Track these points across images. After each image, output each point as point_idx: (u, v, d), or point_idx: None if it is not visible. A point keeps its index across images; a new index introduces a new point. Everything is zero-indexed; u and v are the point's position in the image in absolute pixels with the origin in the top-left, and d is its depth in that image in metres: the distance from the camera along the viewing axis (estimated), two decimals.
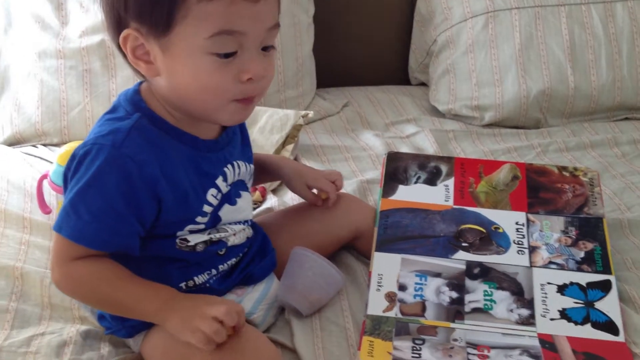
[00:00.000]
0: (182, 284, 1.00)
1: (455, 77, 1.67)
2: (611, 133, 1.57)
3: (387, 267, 1.11)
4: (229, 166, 0.99)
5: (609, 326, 1.03)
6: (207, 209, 0.97)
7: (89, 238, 0.90)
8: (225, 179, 0.98)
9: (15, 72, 1.52)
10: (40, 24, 1.53)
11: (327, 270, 1.08)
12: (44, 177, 1.27)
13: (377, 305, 1.05)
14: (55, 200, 1.26)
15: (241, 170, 1.02)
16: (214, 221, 0.99)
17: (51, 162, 1.33)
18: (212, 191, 0.97)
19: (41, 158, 1.45)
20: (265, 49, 0.91)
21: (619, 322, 1.03)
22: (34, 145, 1.51)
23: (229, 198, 1.00)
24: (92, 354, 1.01)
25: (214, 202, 0.97)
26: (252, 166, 1.06)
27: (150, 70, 0.90)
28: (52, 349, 1.00)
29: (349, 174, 1.43)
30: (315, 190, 1.18)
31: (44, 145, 1.51)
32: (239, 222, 1.03)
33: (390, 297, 1.07)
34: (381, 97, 1.73)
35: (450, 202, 1.23)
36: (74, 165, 0.90)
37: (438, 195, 1.24)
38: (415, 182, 1.27)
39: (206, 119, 0.94)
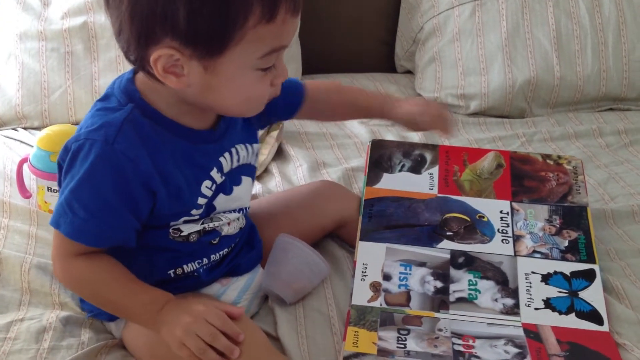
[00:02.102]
0: (171, 271, 0.99)
1: (441, 66, 1.66)
2: (596, 123, 1.57)
3: (372, 257, 1.10)
4: (226, 155, 0.97)
5: (593, 316, 1.03)
6: (201, 201, 0.95)
7: (87, 236, 0.89)
8: (220, 169, 0.96)
9: None
10: (21, 4, 1.50)
11: (312, 259, 1.07)
12: (24, 160, 1.25)
13: (361, 295, 1.04)
14: (35, 184, 1.23)
15: (241, 154, 1.00)
16: (208, 211, 0.97)
17: (32, 146, 1.31)
18: (207, 183, 0.95)
19: (21, 142, 1.43)
20: None
21: (603, 312, 1.03)
22: (14, 129, 1.48)
23: (224, 187, 0.98)
24: (72, 340, 0.99)
25: (208, 193, 0.96)
26: (256, 146, 1.04)
27: (180, 83, 0.85)
28: (32, 335, 0.98)
29: (334, 162, 1.42)
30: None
31: (24, 128, 1.48)
32: (234, 210, 1.02)
33: (375, 287, 1.06)
34: (367, 84, 1.71)
35: (435, 191, 1.23)
36: (68, 160, 0.88)
37: (422, 184, 1.24)
38: (400, 170, 1.27)
39: (227, 115, 0.94)
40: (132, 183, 0.87)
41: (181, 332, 0.87)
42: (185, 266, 0.99)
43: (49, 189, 1.21)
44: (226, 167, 0.97)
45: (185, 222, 0.95)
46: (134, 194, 0.88)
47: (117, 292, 0.92)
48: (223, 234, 1.00)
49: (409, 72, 1.80)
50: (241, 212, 1.03)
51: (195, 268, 1.00)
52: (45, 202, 1.22)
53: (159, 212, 0.92)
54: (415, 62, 1.74)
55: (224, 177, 0.97)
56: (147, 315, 0.91)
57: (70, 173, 0.88)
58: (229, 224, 1.01)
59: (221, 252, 1.02)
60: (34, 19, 1.49)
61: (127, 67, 1.47)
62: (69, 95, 1.48)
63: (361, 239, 1.13)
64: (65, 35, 1.48)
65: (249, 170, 1.03)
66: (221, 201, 0.98)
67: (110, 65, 1.49)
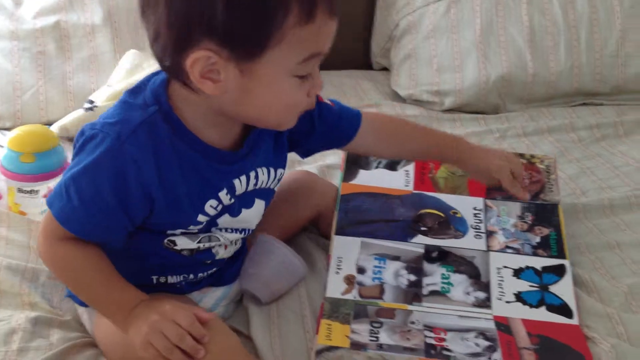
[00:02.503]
0: (154, 278, 0.98)
1: (416, 62, 1.67)
2: (568, 118, 1.58)
3: (347, 251, 1.11)
4: (242, 177, 0.94)
5: (563, 309, 1.04)
6: (202, 218, 0.93)
7: (75, 224, 0.88)
8: (230, 191, 0.93)
9: None
10: None
11: (291, 261, 1.07)
12: None
13: (335, 288, 1.05)
14: (5, 185, 1.22)
15: (260, 178, 0.96)
16: (209, 226, 0.95)
17: (2, 147, 1.30)
18: (212, 202, 0.92)
19: None
20: None
21: (572, 306, 1.04)
22: None
23: (232, 209, 0.95)
24: (41, 341, 0.98)
25: (212, 212, 0.93)
26: (281, 171, 1.01)
27: (217, 89, 0.82)
28: (0, 337, 0.97)
29: (309, 159, 1.41)
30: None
31: None
32: (237, 230, 0.99)
33: (349, 280, 1.06)
34: (343, 81, 1.72)
35: (411, 187, 1.24)
36: (80, 144, 0.88)
37: (398, 180, 1.25)
38: (376, 167, 1.27)
39: (261, 127, 0.91)
40: (131, 186, 0.86)
41: (148, 330, 0.86)
42: (170, 277, 0.99)
43: (20, 190, 1.20)
44: (239, 190, 0.95)
45: (183, 234, 0.94)
46: (132, 197, 0.87)
47: (96, 283, 0.91)
48: (217, 257, 0.99)
49: (385, 69, 1.80)
50: (243, 232, 1.01)
51: (178, 280, 0.99)
52: (16, 204, 1.21)
53: (155, 219, 0.91)
54: (391, 59, 1.74)
55: (233, 200, 0.94)
56: (119, 312, 0.90)
57: (78, 157, 0.87)
58: (225, 247, 0.99)
59: (210, 272, 1.02)
60: (6, 18, 1.48)
61: (102, 66, 1.50)
62: (41, 95, 1.47)
63: (336, 234, 1.14)
64: (37, 34, 1.48)
65: (266, 194, 1.00)
66: (226, 220, 0.96)
67: (83, 65, 1.49)
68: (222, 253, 0.99)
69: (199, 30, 0.79)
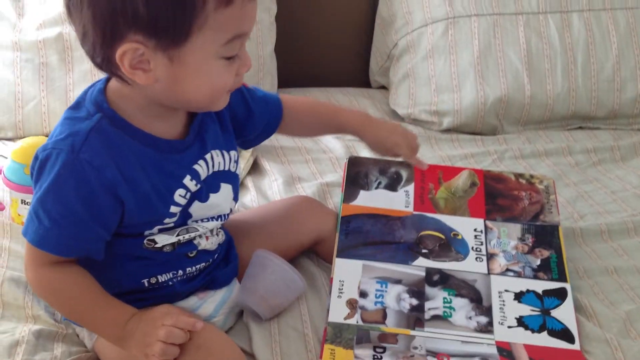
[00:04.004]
0: (145, 280, 0.99)
1: (415, 82, 1.68)
2: (565, 142, 1.60)
3: (348, 274, 1.11)
4: (201, 162, 0.97)
5: (565, 334, 1.05)
6: (174, 209, 0.95)
7: (50, 244, 0.89)
8: (195, 177, 0.96)
9: None
10: None
11: (289, 275, 1.08)
12: None
13: (338, 313, 1.05)
14: (8, 196, 1.22)
15: (216, 160, 1.00)
16: (184, 218, 0.97)
17: (5, 157, 1.30)
18: (180, 191, 0.95)
19: None
20: None
21: (574, 330, 1.05)
22: None
23: (200, 195, 0.98)
24: (45, 354, 0.98)
25: (182, 201, 0.96)
26: (234, 153, 1.04)
27: (149, 78, 0.86)
28: (4, 349, 0.97)
29: (309, 176, 1.43)
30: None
31: None
32: (212, 218, 1.02)
33: (352, 304, 1.07)
34: (342, 98, 1.73)
35: (411, 208, 1.24)
36: (36, 169, 0.89)
37: (398, 201, 1.25)
38: (376, 188, 1.28)
39: (196, 110, 0.94)
40: (97, 192, 0.88)
41: (144, 342, 0.90)
42: (159, 276, 0.99)
43: (23, 201, 1.20)
44: (203, 174, 0.98)
45: (160, 231, 0.96)
46: (101, 204, 0.89)
47: (83, 305, 0.93)
48: (200, 248, 1.00)
49: (384, 87, 1.82)
50: (220, 219, 1.03)
51: (169, 278, 1.00)
52: (19, 215, 1.21)
53: (129, 222, 0.92)
54: (389, 78, 1.76)
55: (199, 185, 0.97)
56: (113, 330, 0.93)
57: (39, 182, 0.89)
58: (207, 238, 1.01)
59: (198, 266, 1.02)
60: (9, 29, 1.48)
61: None
62: (43, 107, 1.47)
63: (338, 256, 1.14)
64: (40, 46, 1.47)
65: (229, 177, 1.03)
66: (196, 208, 0.98)
67: (85, 77, 1.48)
68: (204, 244, 1.01)
69: (123, 24, 0.82)
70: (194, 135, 0.97)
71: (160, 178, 0.93)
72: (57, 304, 0.97)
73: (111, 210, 0.90)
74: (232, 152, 1.03)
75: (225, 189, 1.02)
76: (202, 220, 1.00)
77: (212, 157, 0.99)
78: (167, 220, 0.95)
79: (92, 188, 0.87)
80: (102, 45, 0.85)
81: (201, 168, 0.97)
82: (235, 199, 1.06)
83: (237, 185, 1.06)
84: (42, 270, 0.92)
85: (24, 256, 0.94)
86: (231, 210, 1.06)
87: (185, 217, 0.97)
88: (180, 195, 0.95)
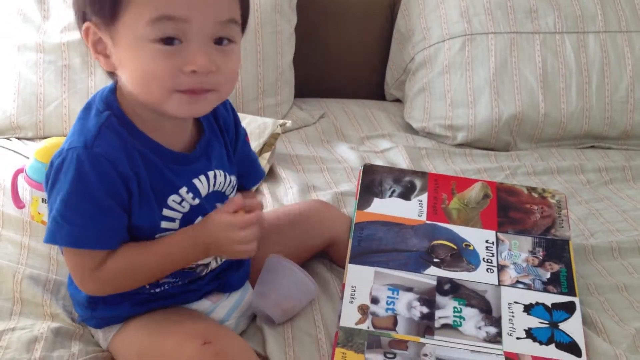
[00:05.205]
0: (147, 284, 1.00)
1: (430, 96, 1.70)
2: (577, 160, 1.62)
3: (361, 280, 1.13)
4: (202, 177, 0.97)
5: (573, 347, 1.06)
6: (167, 213, 0.95)
7: (91, 239, 0.90)
8: (192, 190, 0.96)
9: None
10: (21, 16, 1.52)
11: (302, 279, 1.09)
12: (20, 171, 1.26)
13: (350, 317, 1.07)
14: (29, 195, 1.24)
15: (218, 180, 1.00)
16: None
17: (27, 157, 1.32)
18: (174, 197, 0.95)
19: (14, 151, 1.44)
20: (220, 42, 0.89)
21: (581, 344, 1.06)
22: (7, 138, 1.49)
23: (205, 211, 0.97)
24: (62, 351, 1.00)
25: (177, 207, 0.95)
26: (234, 179, 1.04)
27: (107, 64, 0.90)
28: (23, 345, 0.99)
29: (324, 185, 1.45)
30: None
31: (18, 138, 1.49)
32: None
33: (363, 310, 1.08)
34: (357, 110, 1.75)
35: (424, 217, 1.26)
36: (53, 174, 0.90)
37: (412, 210, 1.27)
38: (390, 196, 1.30)
39: (156, 111, 0.91)
40: (116, 183, 0.89)
41: (231, 251, 0.95)
42: (160, 280, 1.00)
43: (44, 200, 1.22)
44: (203, 190, 0.98)
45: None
46: (121, 194, 0.90)
47: (154, 262, 0.94)
48: (210, 268, 1.02)
49: (399, 100, 1.84)
50: None
51: (169, 280, 1.00)
52: (39, 213, 1.23)
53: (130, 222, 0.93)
54: (405, 92, 1.78)
55: (198, 200, 0.97)
56: (195, 253, 0.95)
57: (57, 186, 0.90)
58: (215, 259, 1.02)
59: (203, 274, 1.03)
60: (33, 31, 1.51)
61: None
62: (65, 108, 1.49)
63: (350, 262, 1.16)
64: (63, 48, 1.50)
65: (224, 200, 1.01)
66: None
67: (107, 81, 1.47)
68: (213, 264, 1.02)
69: (82, 3, 0.89)
70: (200, 151, 0.98)
71: (158, 180, 0.94)
72: (136, 281, 0.96)
73: (127, 201, 0.91)
74: (233, 177, 1.03)
75: None
76: None
77: (215, 176, 0.99)
78: (165, 225, 0.95)
79: (112, 178, 0.89)
80: (78, 27, 0.91)
81: (201, 184, 0.97)
82: None
83: None
84: (99, 272, 0.92)
85: (67, 267, 0.95)
86: None
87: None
88: (174, 200, 0.95)
